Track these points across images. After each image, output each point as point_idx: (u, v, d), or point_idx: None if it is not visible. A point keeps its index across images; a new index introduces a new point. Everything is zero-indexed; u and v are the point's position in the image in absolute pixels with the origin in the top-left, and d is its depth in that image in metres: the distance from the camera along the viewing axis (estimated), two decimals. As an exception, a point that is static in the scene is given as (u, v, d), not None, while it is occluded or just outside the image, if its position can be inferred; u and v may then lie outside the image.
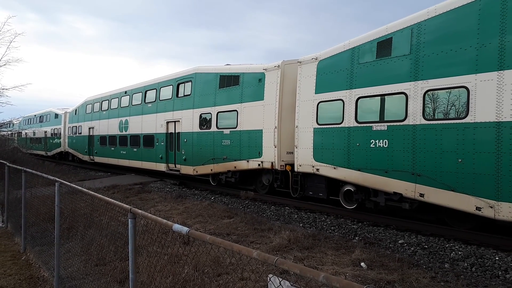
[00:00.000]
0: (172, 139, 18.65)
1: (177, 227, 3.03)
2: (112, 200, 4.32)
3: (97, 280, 5.73)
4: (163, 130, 19.27)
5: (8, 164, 10.32)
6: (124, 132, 23.31)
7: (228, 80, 15.39)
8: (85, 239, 6.96)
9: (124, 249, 5.57)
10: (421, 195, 9.04)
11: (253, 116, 14.09)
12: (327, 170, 11.35)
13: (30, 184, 8.72)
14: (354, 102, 10.63)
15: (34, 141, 43.50)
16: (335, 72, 11.26)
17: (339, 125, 11.05)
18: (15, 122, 50.68)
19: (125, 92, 23.57)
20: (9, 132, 52.87)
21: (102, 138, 26.19)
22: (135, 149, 22.08)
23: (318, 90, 11.74)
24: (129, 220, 3.73)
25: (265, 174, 14.11)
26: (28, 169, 8.61)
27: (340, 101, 11.02)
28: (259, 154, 13.72)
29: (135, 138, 22.09)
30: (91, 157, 28.16)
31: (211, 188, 16.74)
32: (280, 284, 2.23)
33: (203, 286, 5.45)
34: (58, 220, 6.07)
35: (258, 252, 2.23)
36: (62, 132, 34.45)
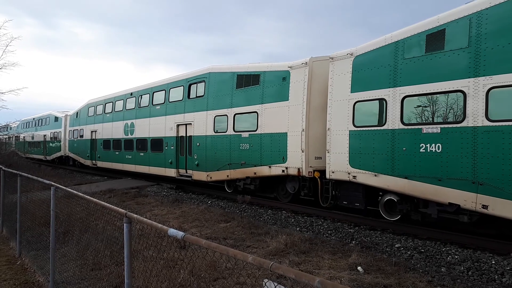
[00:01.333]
0: (183, 143, 17.70)
1: (172, 231, 3.01)
2: (108, 205, 4.30)
3: (92, 285, 5.70)
4: (173, 134, 18.25)
5: (3, 168, 10.27)
6: (129, 136, 22.21)
7: (247, 80, 14.36)
8: (81, 244, 6.92)
9: (120, 253, 5.54)
10: (484, 206, 8.05)
11: (276, 118, 13.06)
12: (366, 178, 10.30)
13: (26, 189, 8.68)
14: (399, 101, 9.63)
15: (33, 145, 42.29)
16: (375, 69, 10.26)
17: (381, 127, 10.04)
18: (13, 126, 49.68)
19: (131, 94, 22.50)
20: (6, 136, 52.43)
21: (106, 142, 25.12)
22: (142, 154, 20.97)
23: (354, 89, 10.71)
24: (125, 224, 3.72)
25: (290, 181, 13.02)
26: (23, 173, 8.57)
27: (381, 101, 10.06)
28: (283, 160, 12.68)
29: (142, 142, 21.01)
30: (94, 161, 27.13)
31: (208, 192, 16.70)
32: (276, 289, 2.22)
33: (199, 291, 5.42)
34: (54, 224, 6.04)
35: (254, 256, 2.22)
36: (62, 136, 33.36)
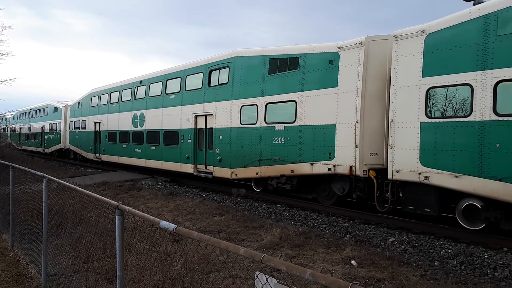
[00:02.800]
0: (202, 136, 16.09)
1: (164, 223, 2.98)
2: (100, 197, 4.26)
3: (85, 277, 5.67)
4: (190, 126, 16.60)
5: (-4, 160, 10.17)
6: (139, 128, 20.41)
7: (282, 64, 12.65)
8: (74, 236, 6.88)
9: (113, 246, 5.50)
10: None
11: (320, 107, 11.36)
12: (443, 179, 8.70)
13: (19, 180, 8.61)
14: (491, 87, 8.01)
15: (30, 137, 40.48)
16: (456, 48, 8.63)
17: (465, 119, 8.43)
18: (8, 117, 48.47)
19: (140, 82, 20.56)
20: (1, 128, 51.19)
21: (112, 134, 23.30)
22: (153, 147, 19.16)
23: (427, 73, 9.08)
24: (117, 216, 3.68)
25: (337, 181, 11.27)
26: (16, 165, 8.49)
27: (466, 87, 8.44)
28: (330, 156, 10.99)
29: (153, 135, 19.22)
30: (98, 155, 25.35)
31: (203, 186, 16.65)
32: (267, 281, 2.20)
33: (192, 284, 5.41)
34: (46, 216, 6.00)
35: (245, 249, 2.19)
36: (62, 127, 31.35)
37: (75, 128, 28.72)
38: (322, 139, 11.34)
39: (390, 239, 8.61)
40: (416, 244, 8.20)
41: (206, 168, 15.93)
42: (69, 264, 6.19)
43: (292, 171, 12.21)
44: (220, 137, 14.98)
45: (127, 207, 3.62)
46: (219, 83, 15.28)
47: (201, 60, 16.67)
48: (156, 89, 19.33)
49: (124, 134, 21.99)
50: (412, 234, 8.88)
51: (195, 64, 16.94)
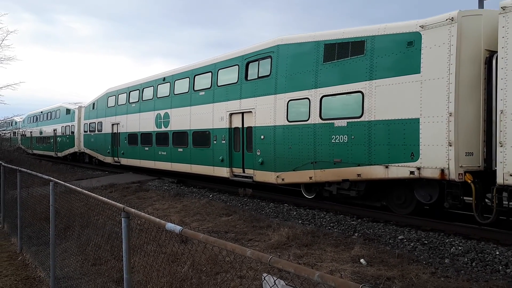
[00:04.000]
0: (239, 135, 14.44)
1: (170, 226, 2.95)
2: (106, 199, 4.24)
3: (93, 280, 5.67)
4: (224, 125, 15.02)
5: (3, 164, 10.24)
6: (163, 129, 18.89)
7: (342, 50, 10.99)
8: (81, 239, 6.89)
9: (120, 248, 5.50)
10: None
11: (397, 98, 9.70)
12: None
13: (26, 184, 8.65)
14: None
15: (41, 140, 38.86)
16: None
17: None
18: (18, 120, 47.18)
19: (164, 79, 19.04)
20: (10, 132, 50.05)
21: (132, 136, 21.80)
22: (180, 150, 17.64)
23: None
24: (123, 219, 3.66)
25: (421, 187, 9.56)
26: (23, 169, 8.53)
27: None
28: (412, 157, 9.31)
29: (180, 136, 17.76)
30: (116, 158, 23.77)
31: (210, 186, 16.62)
32: (275, 283, 2.16)
33: (200, 285, 5.38)
34: (54, 220, 6.00)
35: (252, 250, 2.15)
36: (75, 130, 29.96)
37: (90, 131, 27.44)
38: (400, 137, 9.59)
39: (399, 237, 8.52)
40: (426, 242, 8.10)
41: (244, 172, 14.18)
42: (77, 267, 6.20)
43: (359, 175, 10.41)
44: (262, 137, 13.26)
45: (133, 210, 3.59)
46: (259, 76, 13.52)
47: (235, 51, 14.99)
48: (182, 86, 17.77)
49: (146, 136, 20.48)
50: (422, 232, 8.78)
51: (228, 56, 15.27)
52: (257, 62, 13.69)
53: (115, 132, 23.84)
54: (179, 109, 17.79)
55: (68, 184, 5.79)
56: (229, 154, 14.82)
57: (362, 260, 6.83)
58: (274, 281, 2.11)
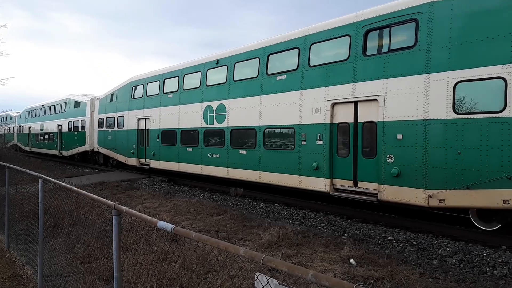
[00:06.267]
0: (348, 134, 10.61)
1: (161, 224, 2.93)
2: (96, 197, 4.21)
3: (82, 278, 5.61)
4: (322, 119, 11.18)
5: (-9, 160, 10.08)
6: (216, 125, 15.14)
7: None
8: (71, 237, 6.82)
9: (110, 246, 5.46)
10: None
11: None
12: None
13: (15, 181, 8.54)
14: None
15: (42, 137, 34.48)
16: None
17: None
18: (13, 115, 43.41)
19: (217, 62, 15.20)
20: (2, 127, 45.57)
21: (167, 134, 18.07)
22: (243, 152, 13.90)
23: None
24: (113, 217, 3.63)
25: None
26: (12, 165, 8.42)
27: None
28: None
29: (242, 134, 14.13)
30: (144, 160, 19.96)
31: (201, 185, 16.55)
32: (268, 282, 2.16)
33: (191, 284, 5.36)
34: (42, 217, 5.93)
35: (245, 249, 2.15)
36: (87, 126, 25.81)
37: (107, 127, 23.51)
38: None
39: (389, 238, 8.58)
40: (415, 243, 8.18)
41: (356, 186, 10.37)
42: (65, 265, 6.13)
43: None
44: (399, 136, 9.40)
45: (124, 207, 3.57)
46: (391, 48, 9.74)
47: (340, 18, 10.98)
48: (247, 70, 14.07)
49: (189, 134, 16.75)
50: (411, 233, 8.86)
51: (328, 25, 11.25)
52: (387, 29, 9.83)
53: (142, 129, 20.13)
54: (242, 99, 13.95)
55: (58, 181, 5.72)
56: (329, 160, 10.89)
57: (351, 261, 6.87)
58: (267, 280, 2.12)
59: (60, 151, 30.36)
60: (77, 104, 27.61)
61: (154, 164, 19.05)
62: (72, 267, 6.07)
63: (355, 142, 10.41)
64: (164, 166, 18.34)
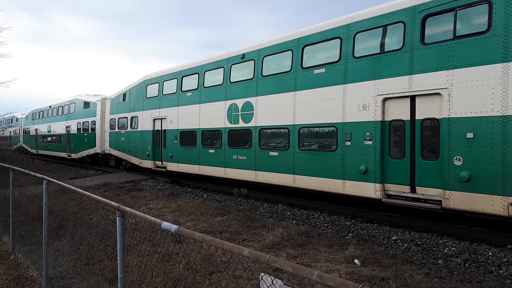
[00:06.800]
0: (403, 133, 9.42)
1: (165, 225, 2.93)
2: (100, 198, 4.21)
3: (86, 279, 5.62)
4: (371, 117, 9.93)
5: (-4, 162, 10.12)
6: (241, 124, 13.98)
7: None
8: (75, 238, 6.84)
9: (114, 248, 5.46)
10: None
11: None
12: None
13: (19, 183, 8.58)
14: None
15: (49, 139, 33.50)
16: None
17: None
18: (19, 117, 42.58)
19: (242, 57, 14.06)
20: (5, 129, 44.72)
21: (186, 135, 16.90)
22: (274, 153, 12.69)
23: None
24: (117, 218, 3.63)
25: None
26: (16, 167, 8.45)
27: None
28: None
29: (274, 134, 12.99)
30: (160, 163, 18.88)
31: (204, 186, 16.54)
32: (272, 283, 2.15)
33: (195, 285, 5.36)
34: (47, 219, 5.94)
35: (250, 250, 2.14)
36: (98, 127, 24.94)
37: (120, 128, 22.46)
38: None
39: (393, 238, 8.55)
40: (419, 242, 8.14)
41: (414, 192, 9.21)
42: (70, 266, 6.14)
43: None
44: (469, 135, 8.22)
45: (128, 208, 3.56)
46: (459, 35, 8.51)
47: (389, 4, 9.87)
48: (277, 63, 12.97)
49: (211, 134, 15.67)
50: (415, 232, 8.82)
51: (376, 11, 10.11)
52: (451, 13, 8.66)
53: (158, 130, 19.06)
54: (273, 96, 12.79)
55: (62, 183, 5.73)
56: (380, 163, 9.73)
57: (356, 261, 6.85)
58: (272, 280, 2.11)
59: (69, 154, 29.50)
60: (86, 104, 26.72)
61: (172, 166, 17.91)
62: (77, 268, 6.08)
63: (412, 142, 9.21)
64: (183, 169, 17.21)
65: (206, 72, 15.87)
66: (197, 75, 16.37)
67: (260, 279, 2.21)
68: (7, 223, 8.41)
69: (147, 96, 19.83)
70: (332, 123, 10.93)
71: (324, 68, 11.21)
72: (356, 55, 10.42)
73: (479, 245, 7.79)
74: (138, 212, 3.43)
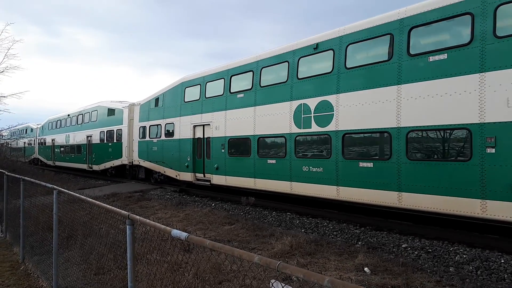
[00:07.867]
0: None
1: (175, 232, 2.95)
2: (110, 207, 4.24)
3: (96, 289, 5.64)
4: None
5: (6, 173, 10.24)
6: (315, 129, 11.50)
7: None
8: (84, 248, 6.87)
9: (123, 257, 5.48)
10: None
11: None
12: None
13: (29, 193, 8.65)
14: None
15: (67, 150, 31.23)
16: None
17: None
18: (34, 127, 40.98)
19: (315, 47, 11.63)
20: (18, 139, 43.14)
21: (237, 143, 14.64)
22: (366, 164, 10.07)
23: None
24: (127, 226, 3.65)
25: None
26: (26, 178, 8.54)
27: None
28: None
29: (364, 140, 10.46)
30: (201, 175, 16.53)
31: (212, 195, 16.54)
32: (283, 290, 2.15)
33: (204, 294, 5.35)
34: (57, 229, 6.00)
35: (260, 256, 2.15)
36: (125, 136, 22.82)
37: (152, 136, 20.23)
38: None
39: (403, 245, 8.47)
40: (430, 250, 8.05)
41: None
42: (80, 276, 6.16)
43: None
44: None
45: (138, 217, 3.59)
46: None
47: None
48: (367, 52, 10.57)
49: (269, 142, 13.41)
50: (426, 240, 8.73)
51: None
52: None
53: (199, 137, 16.73)
54: (362, 93, 10.30)
55: (72, 193, 5.78)
56: None
57: (366, 269, 6.79)
58: (283, 287, 2.11)
59: (90, 165, 27.21)
60: (111, 111, 24.50)
61: (218, 179, 15.40)
62: (86, 278, 6.10)
63: None
64: (232, 183, 14.74)
65: (263, 69, 13.54)
66: (250, 73, 14.03)
67: (271, 286, 2.21)
68: (18, 233, 8.48)
69: (186, 100, 17.60)
70: (459, 124, 8.30)
71: (446, 54, 8.68)
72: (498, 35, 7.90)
73: (490, 252, 7.68)
74: (148, 220, 3.46)
